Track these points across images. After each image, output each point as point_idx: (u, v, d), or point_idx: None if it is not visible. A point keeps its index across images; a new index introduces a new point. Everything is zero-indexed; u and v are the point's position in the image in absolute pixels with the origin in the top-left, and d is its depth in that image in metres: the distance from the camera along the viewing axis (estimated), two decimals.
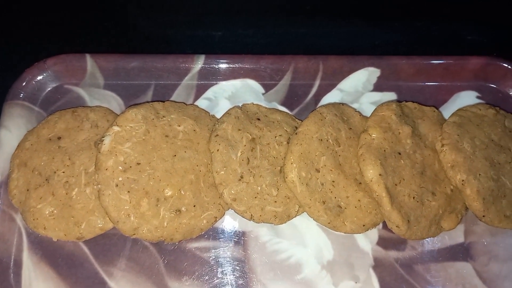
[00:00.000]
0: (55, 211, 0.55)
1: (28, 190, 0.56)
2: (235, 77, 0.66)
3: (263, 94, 0.66)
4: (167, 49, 0.73)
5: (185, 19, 0.76)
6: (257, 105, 0.63)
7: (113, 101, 0.64)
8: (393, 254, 0.59)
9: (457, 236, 0.60)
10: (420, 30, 0.79)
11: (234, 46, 0.74)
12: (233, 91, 0.66)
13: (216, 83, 0.66)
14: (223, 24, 0.76)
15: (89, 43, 0.72)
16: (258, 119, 0.60)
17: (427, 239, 0.59)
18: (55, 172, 0.56)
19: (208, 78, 0.66)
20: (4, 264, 0.55)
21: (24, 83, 0.63)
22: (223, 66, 0.66)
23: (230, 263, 0.57)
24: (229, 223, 0.59)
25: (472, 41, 0.79)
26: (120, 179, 0.53)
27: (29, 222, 0.55)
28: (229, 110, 0.60)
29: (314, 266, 0.57)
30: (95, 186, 0.55)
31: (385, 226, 0.59)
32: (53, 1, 0.76)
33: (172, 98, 0.65)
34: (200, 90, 0.66)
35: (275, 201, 0.56)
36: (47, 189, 0.56)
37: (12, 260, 0.56)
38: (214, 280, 0.56)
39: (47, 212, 0.55)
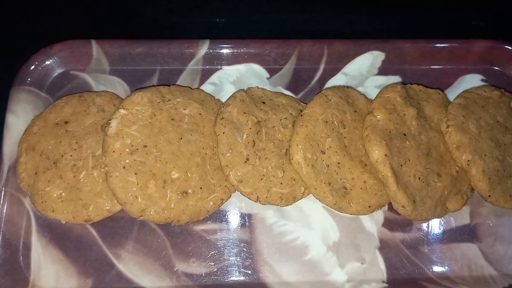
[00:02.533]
0: (63, 194, 0.55)
1: (36, 173, 0.56)
2: (239, 62, 0.67)
3: (267, 78, 0.66)
4: (172, 35, 0.73)
5: (189, 5, 0.76)
6: (262, 88, 0.63)
7: (119, 86, 0.65)
8: (398, 235, 0.59)
9: (462, 217, 0.60)
10: (424, 16, 0.78)
11: (238, 32, 0.74)
12: (238, 75, 0.66)
13: (221, 68, 0.67)
14: (228, 10, 0.76)
15: (95, 29, 0.72)
16: (263, 103, 0.61)
17: (432, 220, 0.59)
18: (62, 156, 0.57)
19: (213, 63, 0.66)
20: (13, 246, 0.56)
21: (30, 69, 0.64)
22: (227, 51, 0.66)
23: (237, 245, 0.58)
24: (235, 205, 0.59)
25: (476, 27, 0.78)
26: (127, 161, 0.54)
27: (37, 205, 0.55)
28: (234, 93, 0.60)
29: (320, 247, 0.58)
30: (102, 169, 0.55)
31: (390, 207, 0.59)
32: None
33: (178, 83, 0.65)
34: (205, 75, 0.66)
35: (281, 183, 0.57)
36: (55, 172, 0.56)
37: (21, 243, 0.56)
38: (221, 262, 0.57)
39: (55, 195, 0.55)
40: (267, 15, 0.77)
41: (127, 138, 0.54)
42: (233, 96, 0.60)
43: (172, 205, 0.54)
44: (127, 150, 0.54)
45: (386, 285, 0.57)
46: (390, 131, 0.56)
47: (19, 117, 0.61)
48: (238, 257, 0.57)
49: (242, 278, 0.56)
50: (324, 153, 0.56)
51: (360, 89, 0.66)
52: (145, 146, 0.55)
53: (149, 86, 0.61)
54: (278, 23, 0.76)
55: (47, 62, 0.64)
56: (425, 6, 0.79)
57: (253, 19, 0.76)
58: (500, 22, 0.78)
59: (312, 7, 0.78)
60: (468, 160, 0.56)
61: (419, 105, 0.61)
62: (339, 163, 0.57)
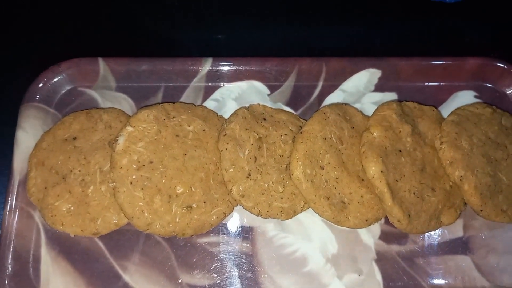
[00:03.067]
0: (72, 208, 0.57)
1: (46, 188, 0.59)
2: (241, 79, 0.69)
3: (268, 95, 0.69)
4: (174, 52, 0.75)
5: (191, 22, 0.78)
6: (263, 105, 0.65)
7: (125, 103, 0.67)
8: (394, 247, 0.61)
9: (456, 230, 0.62)
10: (419, 31, 0.81)
11: (239, 48, 0.77)
12: (239, 92, 0.69)
13: (223, 85, 0.69)
14: (228, 27, 0.79)
15: (100, 46, 0.75)
16: (264, 119, 0.63)
17: (427, 233, 0.61)
18: (71, 171, 0.59)
19: (215, 80, 0.69)
20: (23, 259, 0.58)
21: (39, 86, 0.66)
22: (229, 68, 0.69)
23: (239, 257, 0.60)
24: (238, 218, 0.62)
25: (470, 41, 0.81)
26: (134, 177, 0.56)
27: (47, 219, 0.58)
28: (236, 110, 0.63)
29: (319, 259, 0.60)
30: (110, 184, 0.57)
31: (387, 221, 0.61)
32: (65, 9, 0.78)
33: (181, 100, 0.68)
34: (208, 92, 0.68)
35: (282, 198, 0.59)
36: (64, 187, 0.58)
37: (31, 255, 0.58)
38: (224, 274, 0.59)
39: (64, 209, 0.57)
40: (266, 31, 0.79)
41: (134, 155, 0.57)
42: (235, 113, 0.62)
43: (177, 219, 0.56)
44: (134, 166, 0.56)
45: None
46: (386, 148, 0.59)
47: (29, 133, 0.63)
48: (240, 269, 0.59)
49: None
50: (323, 169, 0.59)
51: (357, 105, 0.68)
52: (151, 162, 0.57)
53: (155, 104, 0.63)
54: (277, 39, 0.79)
55: (56, 79, 0.67)
56: (419, 21, 0.82)
57: (253, 35, 0.79)
58: (494, 36, 0.81)
59: (310, 24, 0.80)
60: (461, 176, 0.58)
61: (414, 121, 0.63)
62: (337, 178, 0.59)
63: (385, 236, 0.62)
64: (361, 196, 0.59)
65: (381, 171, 0.56)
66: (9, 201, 0.60)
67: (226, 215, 0.59)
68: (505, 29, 0.81)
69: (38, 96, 0.66)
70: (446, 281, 0.60)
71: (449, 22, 0.81)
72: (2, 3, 0.79)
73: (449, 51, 0.73)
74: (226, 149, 0.58)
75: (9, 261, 0.57)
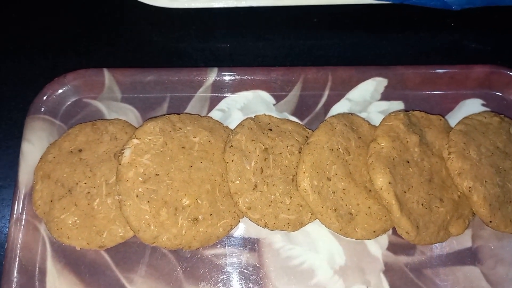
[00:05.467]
0: (78, 221, 0.57)
1: (51, 201, 0.58)
2: (246, 89, 0.69)
3: (274, 104, 0.69)
4: (179, 62, 0.75)
5: (195, 33, 0.78)
6: (269, 115, 0.65)
7: (130, 114, 0.67)
8: (402, 259, 0.61)
9: (464, 240, 0.62)
10: (424, 40, 0.81)
11: (244, 59, 0.77)
12: (245, 102, 0.68)
13: (229, 95, 0.69)
14: (233, 38, 0.78)
15: (104, 58, 0.75)
16: (270, 130, 0.63)
17: (435, 244, 0.61)
18: (77, 184, 0.59)
19: (221, 90, 0.69)
20: (29, 272, 0.58)
21: (45, 98, 0.66)
22: (235, 78, 0.68)
23: (246, 269, 0.59)
24: (244, 230, 0.61)
25: (475, 50, 0.80)
26: (140, 189, 0.56)
27: (53, 232, 0.57)
28: (242, 121, 0.62)
29: (326, 271, 0.59)
30: (116, 197, 0.57)
31: (394, 232, 0.61)
32: (68, 20, 0.79)
33: (187, 110, 0.67)
34: (214, 102, 0.68)
35: (288, 209, 0.58)
36: (70, 200, 0.58)
37: (37, 268, 0.58)
38: (231, 286, 0.58)
39: (70, 222, 0.57)
40: (271, 41, 0.79)
41: (140, 167, 0.56)
42: (241, 124, 0.62)
43: (184, 232, 0.56)
44: (140, 179, 0.56)
45: None
46: (393, 158, 0.58)
47: (34, 145, 0.63)
48: (247, 281, 0.59)
49: None
50: (330, 180, 0.58)
51: (363, 114, 0.68)
52: (157, 175, 0.57)
53: (160, 115, 0.63)
54: (282, 49, 0.79)
55: (61, 91, 0.66)
56: (424, 31, 0.81)
57: (257, 45, 0.79)
58: (499, 44, 0.81)
59: (315, 33, 0.80)
60: (470, 187, 0.58)
61: (421, 131, 0.63)
62: (344, 189, 0.59)
63: (393, 247, 0.61)
64: (369, 207, 0.59)
65: (389, 183, 0.56)
66: (14, 213, 0.59)
67: (233, 227, 0.59)
68: (510, 37, 0.81)
69: (43, 108, 0.65)
70: None
71: (454, 31, 0.81)
72: (7, 13, 0.79)
73: (455, 60, 0.73)
74: (232, 160, 0.58)
75: (15, 274, 0.57)
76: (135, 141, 0.58)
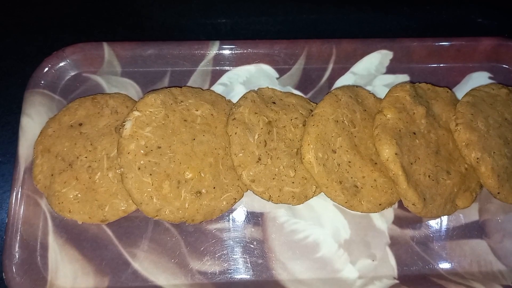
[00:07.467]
0: (79, 195, 0.56)
1: (52, 175, 0.57)
2: (249, 62, 0.67)
3: (277, 78, 0.67)
4: (181, 37, 0.74)
5: (197, 7, 0.77)
6: (272, 89, 0.64)
7: (131, 88, 0.66)
8: (409, 232, 0.60)
9: (471, 214, 0.61)
10: (430, 14, 0.79)
11: (246, 33, 0.75)
12: (247, 76, 0.67)
13: (231, 69, 0.67)
14: (235, 12, 0.77)
15: (105, 32, 0.73)
16: (274, 103, 0.61)
17: (442, 217, 0.60)
18: (77, 157, 0.58)
19: (222, 64, 0.67)
20: (31, 247, 0.57)
21: (44, 72, 0.64)
22: (237, 51, 0.67)
23: (250, 243, 0.59)
24: (248, 204, 0.60)
25: (482, 24, 0.79)
26: (142, 162, 0.55)
27: (54, 206, 0.56)
28: (245, 94, 0.61)
29: (331, 245, 0.59)
30: (117, 170, 0.56)
31: (400, 205, 0.60)
32: None
33: (188, 84, 0.66)
34: (215, 76, 0.67)
35: (293, 182, 0.57)
36: (71, 174, 0.57)
37: (38, 243, 0.58)
38: (235, 260, 0.58)
39: (71, 196, 0.56)
40: (274, 16, 0.77)
41: (141, 140, 0.55)
42: (244, 97, 0.60)
43: (187, 205, 0.55)
44: (142, 151, 0.55)
45: (397, 281, 0.57)
46: (400, 130, 0.57)
47: (34, 119, 0.62)
48: (251, 255, 0.58)
49: (255, 275, 0.57)
50: (335, 152, 0.57)
51: (368, 88, 0.66)
52: (159, 147, 0.56)
53: (161, 88, 0.61)
54: (286, 23, 0.77)
55: (60, 65, 0.65)
56: (430, 4, 0.80)
57: (260, 20, 0.77)
58: (506, 18, 0.79)
59: (319, 8, 0.78)
60: (477, 158, 0.57)
61: (428, 103, 0.61)
62: (349, 162, 0.57)
63: (398, 221, 0.60)
64: (374, 180, 0.58)
65: (396, 154, 0.55)
66: (15, 188, 0.58)
67: (236, 200, 0.58)
68: None
69: (42, 82, 0.64)
70: (461, 265, 0.59)
71: (461, 5, 0.79)
72: None
73: (461, 34, 0.71)
74: (235, 133, 0.57)
75: (17, 249, 0.56)
76: (136, 113, 0.57)
